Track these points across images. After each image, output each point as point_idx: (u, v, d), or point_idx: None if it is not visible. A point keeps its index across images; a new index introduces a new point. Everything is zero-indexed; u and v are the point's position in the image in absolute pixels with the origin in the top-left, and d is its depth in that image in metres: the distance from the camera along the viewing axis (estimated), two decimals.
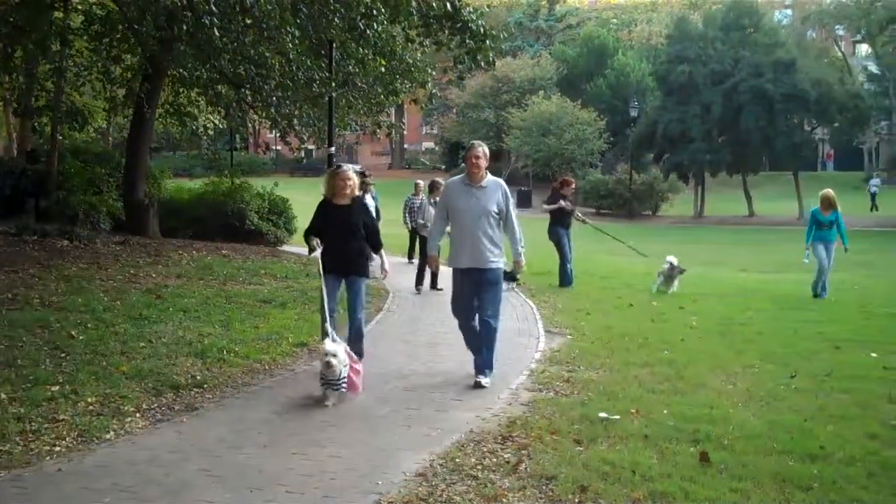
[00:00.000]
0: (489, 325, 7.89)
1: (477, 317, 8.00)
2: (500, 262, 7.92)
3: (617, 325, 11.12)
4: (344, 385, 7.10)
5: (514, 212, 8.02)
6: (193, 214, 19.68)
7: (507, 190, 8.02)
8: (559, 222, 15.15)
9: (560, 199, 15.22)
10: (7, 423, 6.14)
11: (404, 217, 17.72)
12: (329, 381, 7.03)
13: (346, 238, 8.01)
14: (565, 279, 15.05)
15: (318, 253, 8.01)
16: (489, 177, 7.95)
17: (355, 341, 8.04)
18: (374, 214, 17.97)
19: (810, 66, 48.11)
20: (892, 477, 5.33)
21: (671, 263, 14.78)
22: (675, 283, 14.79)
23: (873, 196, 46.67)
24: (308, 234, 8.18)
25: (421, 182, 18.44)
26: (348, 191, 8.03)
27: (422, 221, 14.78)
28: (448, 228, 8.31)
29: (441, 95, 57.31)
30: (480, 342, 7.91)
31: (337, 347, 7.09)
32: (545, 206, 15.38)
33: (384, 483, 5.22)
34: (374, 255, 8.40)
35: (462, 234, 7.94)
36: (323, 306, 7.81)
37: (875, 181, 47.79)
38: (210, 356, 8.53)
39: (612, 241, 15.12)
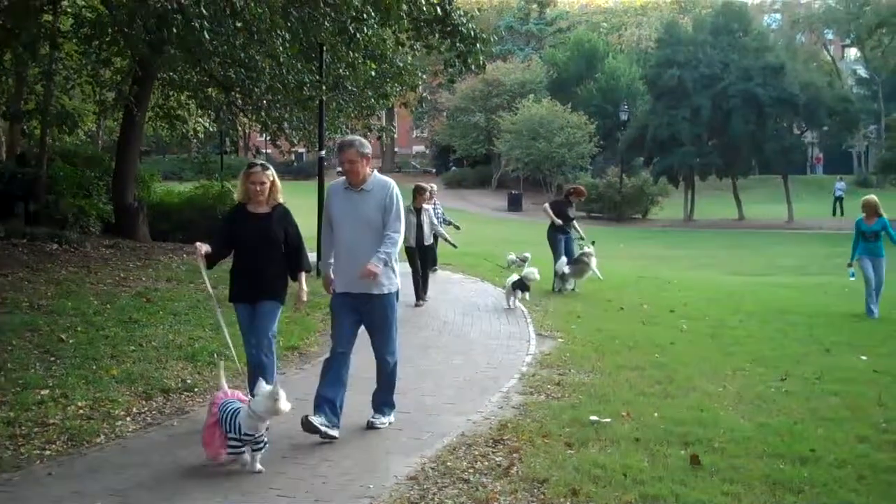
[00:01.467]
0: (385, 364, 6.58)
1: (348, 360, 6.48)
2: (390, 284, 6.43)
3: (607, 328, 11.14)
4: (267, 443, 5.63)
5: (399, 220, 6.41)
6: (183, 218, 19.59)
7: (396, 192, 6.47)
8: (559, 228, 15.14)
9: (566, 210, 15.29)
10: None
11: None
12: (257, 439, 5.54)
13: (260, 255, 6.52)
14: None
15: (203, 250, 6.29)
16: (375, 177, 6.49)
17: (261, 378, 6.01)
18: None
19: (799, 70, 48.25)
20: (882, 479, 5.36)
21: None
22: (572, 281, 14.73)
23: (839, 200, 46.22)
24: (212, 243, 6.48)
25: (434, 186, 18.33)
26: (263, 196, 6.53)
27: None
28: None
29: (431, 99, 57.48)
30: (339, 387, 6.36)
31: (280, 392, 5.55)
32: (578, 233, 15.45)
33: (375, 487, 5.22)
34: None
35: (341, 249, 6.48)
36: (245, 342, 6.61)
37: (840, 185, 47.52)
38: (200, 360, 8.50)
39: (601, 246, 15.16)
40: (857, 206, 14.33)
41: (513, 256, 17.83)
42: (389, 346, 6.58)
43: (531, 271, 13.33)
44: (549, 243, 15.22)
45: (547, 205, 15.71)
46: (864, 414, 6.90)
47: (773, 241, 34.09)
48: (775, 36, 59.78)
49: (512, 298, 12.97)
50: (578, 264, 14.71)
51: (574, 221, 15.52)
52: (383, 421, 6.60)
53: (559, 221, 15.09)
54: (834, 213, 45.57)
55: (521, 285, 13.10)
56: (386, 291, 6.42)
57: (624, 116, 51.41)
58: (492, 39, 18.13)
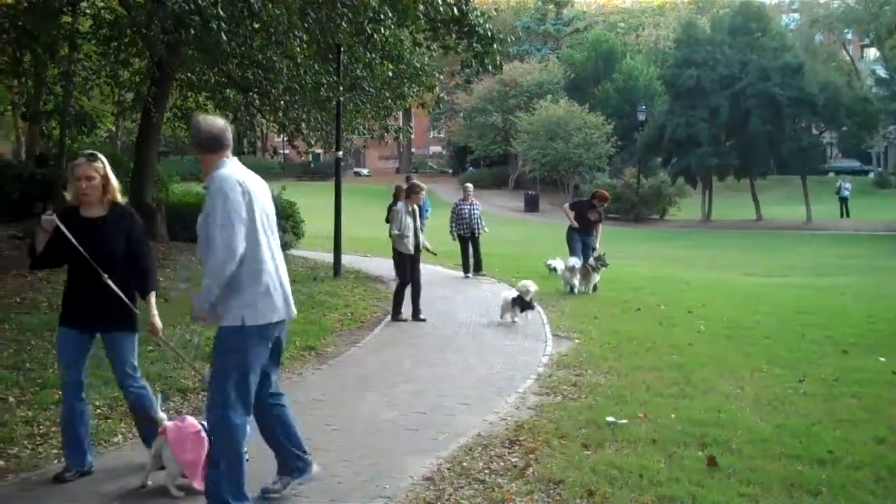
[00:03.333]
0: (212, 421, 4.80)
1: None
2: (226, 315, 4.64)
3: (624, 329, 11.11)
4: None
5: (215, 224, 4.52)
6: None
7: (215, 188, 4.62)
8: (576, 229, 15.16)
9: (587, 212, 15.25)
10: (15, 427, 6.17)
11: (451, 225, 16.95)
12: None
13: (94, 270, 5.14)
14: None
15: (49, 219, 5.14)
16: (217, 173, 4.67)
17: (144, 425, 5.44)
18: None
19: (818, 70, 47.93)
20: None
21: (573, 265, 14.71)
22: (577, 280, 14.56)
23: (845, 200, 45.64)
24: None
25: (470, 186, 18.13)
26: (92, 195, 5.26)
27: (397, 232, 11.97)
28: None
29: (448, 99, 57.35)
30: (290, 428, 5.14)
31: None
32: (595, 240, 15.40)
33: (391, 487, 5.22)
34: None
35: None
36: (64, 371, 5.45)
37: (846, 185, 46.98)
38: None
39: (621, 246, 15.14)
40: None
41: (554, 262, 17.23)
42: (214, 395, 4.73)
43: (527, 284, 11.71)
44: (567, 242, 15.29)
45: (567, 205, 15.74)
46: (881, 415, 6.85)
47: (790, 242, 33.91)
48: (794, 36, 59.49)
49: (509, 314, 11.66)
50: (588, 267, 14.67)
51: (599, 227, 15.43)
52: None
53: (576, 224, 15.09)
54: (841, 215, 45.22)
55: (519, 302, 11.57)
56: (223, 323, 4.68)
57: (641, 117, 51.21)
58: (509, 40, 18.10)
